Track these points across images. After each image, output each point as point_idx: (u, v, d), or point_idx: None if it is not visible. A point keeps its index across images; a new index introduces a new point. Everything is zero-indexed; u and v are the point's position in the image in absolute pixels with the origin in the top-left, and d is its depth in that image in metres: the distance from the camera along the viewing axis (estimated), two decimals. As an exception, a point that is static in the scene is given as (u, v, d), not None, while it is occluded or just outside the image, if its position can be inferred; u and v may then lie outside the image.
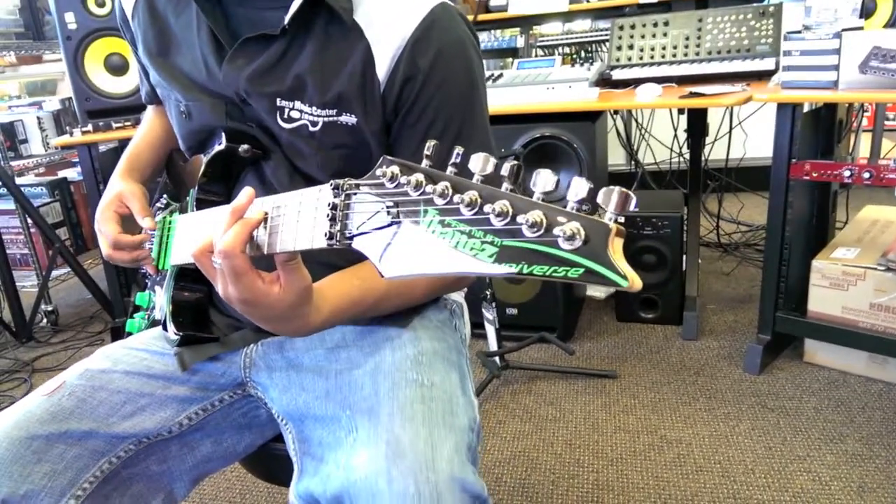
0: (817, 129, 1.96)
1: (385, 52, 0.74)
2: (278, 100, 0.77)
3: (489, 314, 1.87)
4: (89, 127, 2.25)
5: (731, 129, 2.61)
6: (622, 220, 0.36)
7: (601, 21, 2.65)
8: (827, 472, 1.43)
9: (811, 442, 1.54)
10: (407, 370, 0.72)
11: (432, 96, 0.76)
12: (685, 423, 1.66)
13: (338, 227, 0.47)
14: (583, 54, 2.72)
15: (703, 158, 2.35)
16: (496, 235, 0.38)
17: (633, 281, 0.34)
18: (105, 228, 0.90)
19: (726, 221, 2.84)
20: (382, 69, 0.75)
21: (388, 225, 0.44)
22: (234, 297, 0.61)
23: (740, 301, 2.30)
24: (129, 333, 1.02)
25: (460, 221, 0.39)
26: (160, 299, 0.93)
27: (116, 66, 2.35)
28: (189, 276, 0.88)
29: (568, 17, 2.64)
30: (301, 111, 0.77)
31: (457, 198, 0.39)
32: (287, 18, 0.73)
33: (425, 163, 0.44)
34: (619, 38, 2.20)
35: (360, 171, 0.78)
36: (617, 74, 2.09)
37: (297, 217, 0.54)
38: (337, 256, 0.65)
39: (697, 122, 2.25)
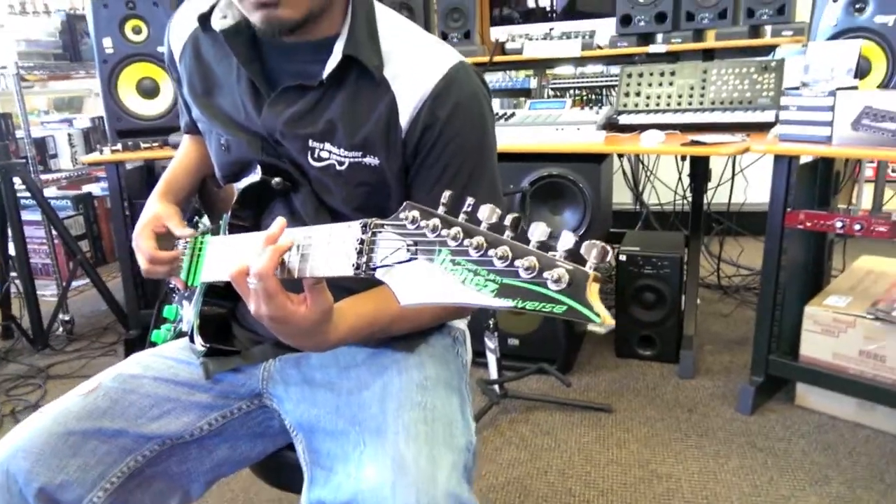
0: (814, 180, 2.04)
1: (408, 103, 0.83)
2: (310, 141, 0.86)
3: (491, 343, 1.94)
4: (118, 146, 2.36)
5: (733, 175, 2.70)
6: (610, 266, 0.43)
7: (612, 66, 2.76)
8: (811, 512, 1.48)
9: (797, 483, 1.58)
10: (412, 393, 0.80)
11: (448, 143, 0.84)
12: (676, 458, 1.71)
13: (364, 259, 0.55)
14: (593, 97, 2.83)
15: (705, 202, 2.43)
16: (498, 275, 0.45)
17: (605, 319, 0.41)
18: (143, 244, 0.98)
19: (726, 264, 2.91)
20: (405, 118, 0.83)
21: (408, 260, 0.52)
22: (265, 314, 0.68)
23: (737, 343, 2.35)
24: (154, 343, 1.10)
25: (468, 261, 0.47)
26: (188, 313, 1.01)
27: (148, 90, 2.47)
28: (216, 293, 0.97)
29: (580, 61, 2.75)
30: (330, 152, 0.86)
31: (466, 241, 0.47)
32: (326, 73, 0.82)
33: (441, 209, 0.53)
34: (628, 84, 2.30)
35: (380, 205, 0.87)
36: (623, 119, 2.19)
37: (328, 247, 0.62)
38: (354, 282, 0.73)
39: (700, 168, 2.34)
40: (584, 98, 3.07)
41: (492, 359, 1.96)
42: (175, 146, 2.34)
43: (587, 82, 2.81)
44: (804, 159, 1.87)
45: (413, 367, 0.85)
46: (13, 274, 2.56)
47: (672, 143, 1.95)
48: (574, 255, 0.44)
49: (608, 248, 0.42)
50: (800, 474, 1.61)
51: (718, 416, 1.90)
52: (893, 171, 3.54)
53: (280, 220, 0.68)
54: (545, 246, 0.46)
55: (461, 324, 1.02)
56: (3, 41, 2.52)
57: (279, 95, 0.86)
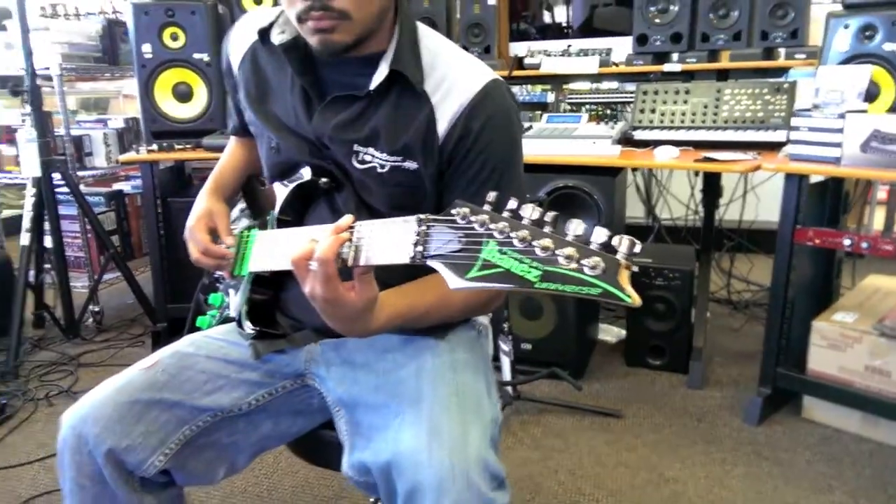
0: (824, 200, 2.11)
1: (446, 114, 0.92)
2: (355, 146, 0.94)
3: (505, 346, 2.01)
4: (154, 146, 2.46)
5: (745, 192, 2.77)
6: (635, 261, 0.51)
7: (628, 83, 2.85)
8: (813, 518, 1.54)
9: (801, 491, 1.64)
10: (445, 372, 0.88)
11: (479, 152, 0.93)
12: (683, 463, 1.77)
13: (420, 249, 0.63)
14: (608, 112, 2.91)
15: (717, 218, 2.50)
16: (541, 262, 0.53)
17: (635, 299, 0.49)
18: (198, 236, 1.07)
19: (737, 279, 2.97)
20: (442, 128, 0.92)
21: (458, 251, 0.60)
22: (320, 295, 0.76)
23: (746, 356, 2.41)
24: (198, 328, 1.18)
25: (514, 251, 0.55)
26: (235, 300, 1.09)
27: (182, 94, 2.57)
28: (263, 282, 1.05)
29: (596, 78, 2.84)
30: (373, 156, 0.94)
31: (512, 234, 0.55)
32: (373, 85, 0.91)
33: (487, 207, 0.61)
34: (643, 101, 2.38)
35: (414, 204, 0.96)
36: (638, 135, 2.27)
37: (386, 239, 0.70)
38: (394, 277, 0.82)
39: (712, 185, 2.41)
40: (600, 113, 3.15)
41: (505, 361, 2.03)
42: (208, 148, 2.44)
43: (603, 98, 2.89)
44: (814, 178, 1.94)
45: (445, 352, 0.93)
46: (48, 266, 2.66)
47: (685, 159, 2.02)
48: (606, 247, 0.52)
49: (636, 240, 0.50)
50: (804, 483, 1.67)
51: (726, 425, 1.96)
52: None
53: (349, 217, 0.76)
54: (581, 239, 0.54)
55: (484, 319, 1.10)
56: (47, 44, 2.64)
57: (329, 104, 0.95)
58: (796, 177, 1.85)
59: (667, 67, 2.52)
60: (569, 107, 3.19)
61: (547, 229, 0.56)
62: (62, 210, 2.68)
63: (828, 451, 1.81)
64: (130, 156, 2.47)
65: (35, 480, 1.78)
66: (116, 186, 3.27)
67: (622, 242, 0.50)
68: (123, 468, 0.89)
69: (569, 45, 2.89)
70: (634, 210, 3.22)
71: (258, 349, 1.00)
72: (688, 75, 2.53)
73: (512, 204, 0.59)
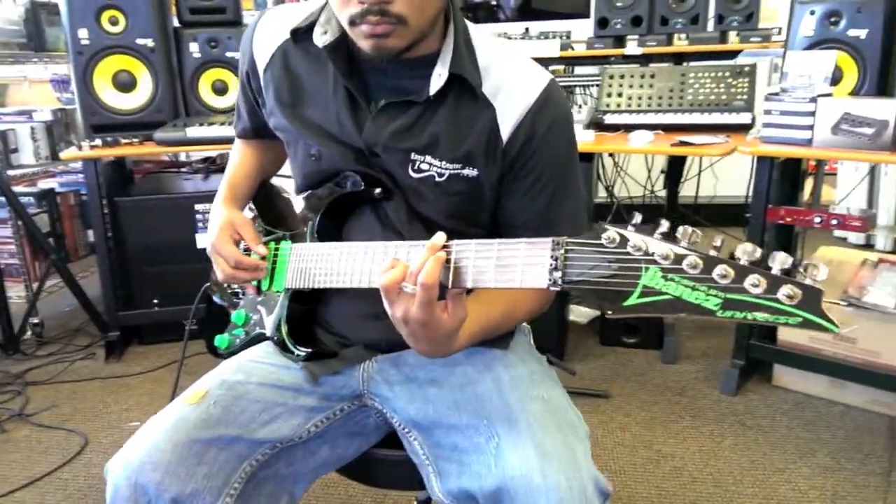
0: (784, 177, 2.22)
1: (509, 117, 0.88)
2: (412, 154, 0.89)
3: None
4: (98, 141, 2.26)
5: (699, 171, 2.88)
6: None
7: (587, 67, 2.88)
8: (804, 482, 1.64)
9: (787, 456, 1.74)
10: (525, 385, 0.86)
11: (543, 156, 0.90)
12: (676, 438, 1.84)
13: (558, 275, 0.60)
14: (570, 97, 2.94)
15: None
16: (721, 290, 0.52)
17: (839, 327, 0.49)
18: (226, 250, 0.99)
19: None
20: (506, 131, 0.88)
21: (609, 277, 0.57)
22: (415, 319, 0.72)
23: (711, 329, 2.52)
24: (217, 348, 1.10)
25: (684, 278, 0.54)
26: (270, 318, 1.01)
27: (124, 83, 2.38)
28: (301, 298, 0.99)
29: (557, 62, 2.85)
30: (430, 164, 0.89)
31: (684, 262, 0.54)
32: (433, 91, 0.86)
33: (630, 229, 0.59)
34: (610, 85, 2.41)
35: (471, 213, 0.92)
36: (609, 119, 2.30)
37: (497, 262, 0.66)
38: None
39: (677, 166, 2.49)
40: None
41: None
42: (162, 143, 2.28)
43: (564, 81, 2.91)
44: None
45: (516, 363, 0.91)
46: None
47: (661, 144, 2.07)
48: (789, 273, 0.51)
49: (824, 265, 0.50)
50: (789, 448, 1.77)
51: (705, 397, 2.05)
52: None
53: (441, 235, 0.72)
54: (758, 264, 0.52)
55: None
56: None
57: (383, 110, 0.89)
58: (768, 158, 1.93)
59: (628, 51, 2.56)
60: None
61: (712, 252, 0.54)
62: (-10, 214, 2.43)
63: (803, 415, 1.93)
64: (72, 152, 2.26)
65: (5, 516, 1.63)
66: (42, 185, 3.01)
67: (816, 269, 0.50)
68: None
69: (527, 28, 2.89)
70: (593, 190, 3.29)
71: (314, 372, 0.94)
72: (646, 58, 2.59)
73: (663, 227, 0.57)
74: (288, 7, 0.99)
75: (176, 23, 2.49)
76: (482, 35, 0.93)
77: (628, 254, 0.57)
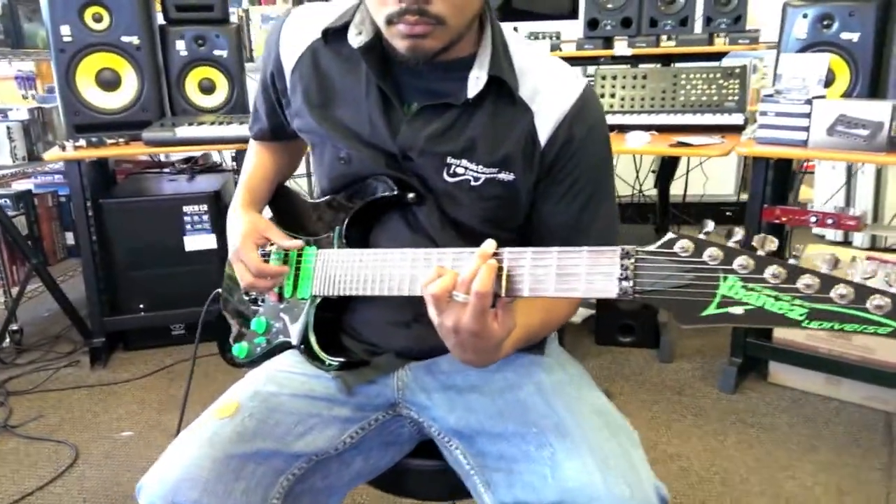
0: (775, 178, 2.25)
1: (547, 121, 0.87)
2: (448, 157, 0.87)
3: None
4: (82, 142, 2.19)
5: (687, 170, 2.91)
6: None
7: (576, 68, 2.88)
8: (809, 478, 1.66)
9: (791, 454, 1.77)
10: (570, 390, 0.85)
11: (579, 161, 0.89)
12: (680, 438, 1.85)
13: (628, 285, 0.59)
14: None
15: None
16: (806, 301, 0.51)
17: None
18: (249, 258, 0.96)
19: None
20: (544, 135, 0.87)
21: (684, 286, 0.56)
22: (466, 329, 0.70)
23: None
24: (234, 357, 1.07)
25: (766, 287, 0.53)
26: (294, 326, 0.98)
27: (108, 82, 2.31)
28: (327, 306, 0.96)
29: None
30: (466, 168, 0.88)
31: (766, 271, 0.53)
32: (472, 94, 0.84)
33: (702, 236, 0.58)
34: (602, 86, 2.41)
35: (505, 218, 0.91)
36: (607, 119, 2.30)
37: (558, 271, 0.65)
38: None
39: (669, 166, 2.51)
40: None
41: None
42: (150, 143, 2.21)
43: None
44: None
45: (555, 367, 0.90)
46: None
47: (659, 144, 2.08)
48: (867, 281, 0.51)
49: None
50: (791, 445, 1.80)
51: (705, 396, 2.07)
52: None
53: (491, 242, 0.70)
54: (838, 273, 0.52)
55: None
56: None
57: (419, 113, 0.87)
58: (764, 159, 1.96)
59: (618, 52, 2.57)
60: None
61: (791, 261, 0.53)
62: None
63: (801, 412, 1.96)
64: (56, 153, 2.18)
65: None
66: (17, 186, 2.91)
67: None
68: None
69: (515, 28, 2.88)
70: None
71: (347, 382, 0.91)
72: (636, 59, 2.60)
73: (738, 235, 0.56)
74: (314, 7, 0.96)
75: (161, 20, 2.42)
76: (516, 38, 0.92)
77: (704, 263, 0.56)
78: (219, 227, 2.39)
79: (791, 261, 0.54)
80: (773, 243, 0.55)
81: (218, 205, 2.39)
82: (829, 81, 1.96)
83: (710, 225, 0.58)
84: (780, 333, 2.07)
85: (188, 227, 2.37)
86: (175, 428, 1.90)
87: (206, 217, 2.37)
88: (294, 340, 0.98)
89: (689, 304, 0.56)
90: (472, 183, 0.88)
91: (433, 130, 0.87)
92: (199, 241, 2.38)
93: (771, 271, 0.53)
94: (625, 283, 0.60)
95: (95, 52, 2.25)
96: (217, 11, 2.45)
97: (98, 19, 2.23)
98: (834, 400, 2.01)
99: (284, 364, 0.95)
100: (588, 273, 0.62)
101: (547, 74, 0.89)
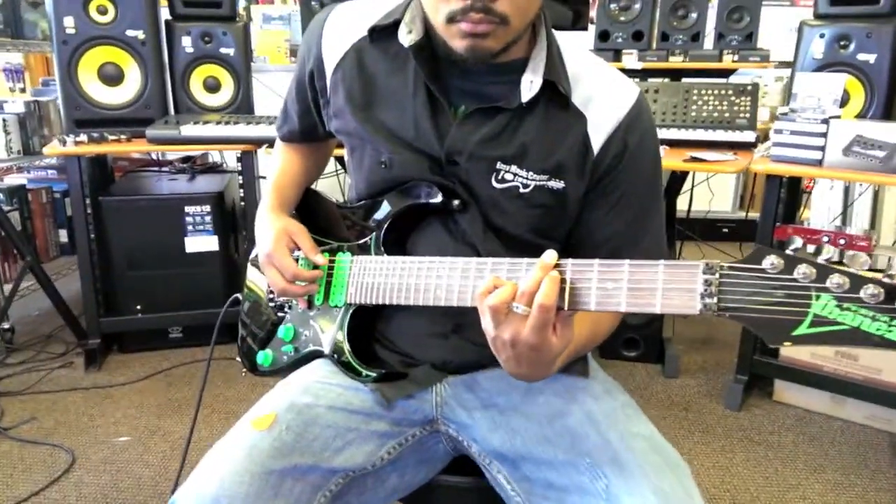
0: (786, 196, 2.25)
1: (601, 129, 0.85)
2: (498, 163, 0.85)
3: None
4: (83, 137, 2.13)
5: (692, 186, 2.91)
6: None
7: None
8: (818, 498, 1.65)
9: (798, 472, 1.76)
10: (621, 419, 0.82)
11: (632, 170, 0.87)
12: (688, 455, 1.83)
13: (711, 301, 0.57)
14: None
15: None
16: (906, 322, 0.50)
17: None
18: (283, 263, 0.93)
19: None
20: (597, 143, 0.85)
21: (773, 304, 0.54)
22: (526, 342, 0.68)
23: (703, 342, 2.55)
24: (259, 365, 1.03)
25: (861, 307, 0.51)
26: (326, 335, 0.95)
27: (110, 77, 2.26)
28: (361, 314, 0.93)
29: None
30: (515, 174, 0.85)
31: (862, 291, 0.51)
32: (527, 98, 0.82)
33: (791, 253, 0.56)
34: (613, 98, 2.41)
35: (551, 227, 0.89)
36: (614, 132, 2.29)
37: (630, 285, 0.63)
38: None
39: (679, 182, 2.51)
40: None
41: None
42: (154, 141, 2.16)
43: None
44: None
45: (602, 394, 0.87)
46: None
47: (674, 159, 2.07)
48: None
49: None
50: (798, 465, 1.79)
51: (711, 413, 2.05)
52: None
53: (552, 252, 0.68)
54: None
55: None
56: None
57: (469, 116, 0.85)
58: (777, 177, 1.96)
59: (629, 65, 2.57)
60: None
61: (886, 280, 0.52)
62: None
63: (807, 431, 1.95)
64: (56, 148, 2.12)
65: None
66: (9, 180, 2.84)
67: None
68: None
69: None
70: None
71: (387, 395, 0.88)
72: (644, 73, 2.60)
73: (829, 251, 0.54)
74: (356, 5, 0.94)
75: (167, 15, 2.38)
76: (570, 44, 0.90)
77: (795, 280, 0.54)
78: (221, 228, 2.34)
79: (885, 279, 0.52)
80: (866, 261, 0.53)
81: (221, 206, 2.34)
82: (843, 102, 1.97)
83: (797, 241, 0.56)
84: (786, 351, 2.07)
85: (189, 227, 2.32)
86: (175, 433, 1.86)
87: (208, 218, 2.32)
88: (326, 349, 0.95)
89: (778, 324, 0.54)
90: (521, 190, 0.86)
91: (484, 134, 0.84)
92: (200, 242, 2.33)
93: (869, 291, 0.51)
94: (708, 300, 0.57)
95: (99, 45, 2.20)
96: (225, 8, 2.41)
97: (103, 12, 2.18)
98: (838, 419, 2.00)
99: (318, 374, 0.91)
100: (665, 288, 0.60)
101: (601, 81, 0.87)
